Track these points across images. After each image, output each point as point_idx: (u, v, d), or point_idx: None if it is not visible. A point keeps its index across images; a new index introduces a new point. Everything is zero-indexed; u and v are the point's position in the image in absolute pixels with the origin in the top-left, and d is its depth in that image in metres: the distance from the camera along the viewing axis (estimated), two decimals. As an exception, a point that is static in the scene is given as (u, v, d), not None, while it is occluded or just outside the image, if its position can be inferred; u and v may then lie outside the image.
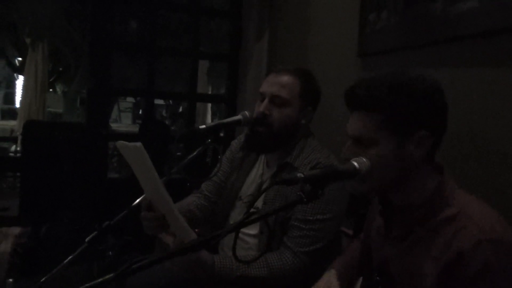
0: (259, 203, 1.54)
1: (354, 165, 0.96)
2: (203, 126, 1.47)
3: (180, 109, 16.20)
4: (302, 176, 0.88)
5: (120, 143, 1.30)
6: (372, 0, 1.98)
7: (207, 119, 9.25)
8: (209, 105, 10.88)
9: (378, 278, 1.05)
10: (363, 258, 1.27)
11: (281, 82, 1.52)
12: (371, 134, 0.99)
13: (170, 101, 16.58)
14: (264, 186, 1.56)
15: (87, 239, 1.32)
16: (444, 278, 0.92)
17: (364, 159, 0.97)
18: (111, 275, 0.69)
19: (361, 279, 1.22)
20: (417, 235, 1.01)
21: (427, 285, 0.95)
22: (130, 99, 20.24)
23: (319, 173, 0.91)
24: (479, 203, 0.99)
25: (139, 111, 18.62)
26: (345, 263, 1.29)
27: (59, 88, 17.39)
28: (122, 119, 20.58)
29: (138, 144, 1.21)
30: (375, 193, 1.06)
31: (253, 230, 1.54)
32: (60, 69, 12.88)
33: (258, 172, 1.64)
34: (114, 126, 14.29)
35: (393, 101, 0.97)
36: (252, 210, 0.86)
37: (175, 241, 1.37)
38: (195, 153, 1.46)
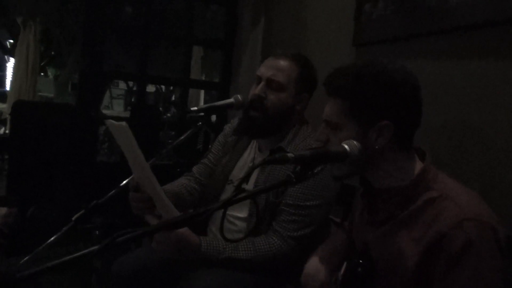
0: (250, 187, 1.53)
1: (344, 148, 0.97)
2: (195, 108, 1.45)
3: (173, 98, 16.12)
4: (293, 156, 0.89)
5: (109, 121, 1.29)
6: (368, -11, 1.98)
7: (200, 102, 9.22)
8: (202, 94, 10.83)
9: (360, 261, 1.05)
10: (348, 245, 1.28)
11: (278, 66, 1.51)
12: (337, 119, 1.04)
13: (163, 89, 16.50)
14: (255, 171, 1.55)
15: (74, 218, 1.31)
16: (427, 258, 0.94)
17: (355, 142, 0.98)
18: (95, 247, 0.68)
19: (344, 264, 1.23)
20: (399, 219, 1.03)
21: (409, 266, 0.97)
22: (122, 86, 20.11)
23: (309, 154, 0.91)
24: (460, 186, 1.01)
25: (131, 98, 18.49)
26: (329, 250, 1.30)
27: (50, 73, 17.22)
28: (114, 106, 20.43)
29: (124, 123, 1.20)
30: (346, 176, 1.10)
31: (242, 213, 1.54)
32: (52, 53, 12.73)
33: (250, 156, 1.64)
34: (106, 112, 14.18)
35: (357, 90, 1.01)
36: (242, 188, 0.85)
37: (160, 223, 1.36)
38: (185, 135, 1.45)
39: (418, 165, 1.05)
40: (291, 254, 1.41)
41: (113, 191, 1.37)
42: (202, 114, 1.54)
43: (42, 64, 11.69)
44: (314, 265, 1.22)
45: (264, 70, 1.53)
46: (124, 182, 1.41)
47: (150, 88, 15.92)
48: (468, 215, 0.92)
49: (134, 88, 14.61)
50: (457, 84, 1.52)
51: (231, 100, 1.53)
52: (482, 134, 1.43)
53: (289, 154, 0.88)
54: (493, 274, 0.90)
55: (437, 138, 1.53)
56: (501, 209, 1.16)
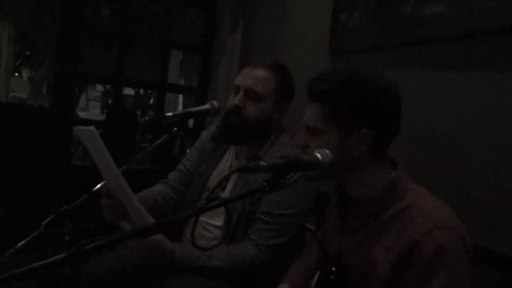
0: (227, 195, 1.53)
1: (317, 157, 0.97)
2: (170, 114, 1.44)
3: (151, 101, 15.96)
4: (265, 164, 0.89)
5: (77, 128, 1.27)
6: (345, -1, 2.01)
7: (178, 106, 9.14)
8: (181, 99, 10.74)
9: (333, 269, 1.06)
10: (321, 254, 1.29)
11: (257, 76, 1.51)
12: (317, 125, 1.04)
13: (141, 92, 16.31)
14: (232, 177, 1.55)
15: (43, 223, 1.28)
16: (399, 265, 0.96)
17: (327, 151, 0.99)
18: (62, 255, 0.67)
19: (317, 273, 1.23)
20: (371, 228, 1.04)
21: (381, 274, 0.98)
22: (99, 88, 19.80)
23: (282, 162, 0.92)
24: (431, 196, 1.04)
25: (108, 100, 18.23)
26: (301, 271, 1.30)
27: (25, 73, 16.83)
28: (90, 108, 20.09)
29: (92, 127, 1.18)
30: (324, 178, 1.11)
31: (218, 221, 1.53)
32: (27, 53, 12.45)
33: (227, 164, 1.63)
34: (81, 114, 13.91)
35: (338, 97, 1.01)
36: (216, 195, 0.85)
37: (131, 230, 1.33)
38: (160, 140, 1.44)
39: (390, 175, 1.06)
40: (266, 262, 1.41)
41: (84, 196, 1.34)
42: (178, 119, 1.53)
43: (16, 64, 11.43)
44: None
45: (243, 80, 1.53)
46: (96, 187, 1.39)
47: (129, 91, 15.71)
48: (438, 223, 0.94)
49: (111, 91, 14.41)
50: (430, 94, 1.55)
51: (207, 106, 1.53)
52: (455, 143, 1.47)
53: (262, 163, 0.89)
54: (465, 280, 0.92)
55: (410, 148, 1.56)
56: (471, 217, 1.19)
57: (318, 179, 1.11)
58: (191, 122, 3.20)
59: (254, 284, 1.44)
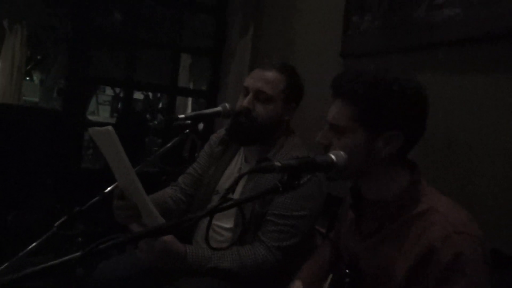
0: (236, 197, 1.52)
1: (331, 158, 0.97)
2: (182, 116, 1.45)
3: (160, 105, 16.04)
4: (279, 165, 0.88)
5: (92, 129, 1.28)
6: (356, 2, 2.00)
7: (188, 109, 9.18)
8: (190, 103, 10.79)
9: (347, 271, 1.05)
10: (334, 257, 1.27)
11: (266, 78, 1.51)
12: (345, 123, 1.01)
13: (150, 96, 16.41)
14: (242, 179, 1.54)
15: (56, 224, 1.28)
16: (416, 271, 0.94)
17: (342, 153, 0.98)
18: (78, 253, 0.67)
19: (331, 276, 1.22)
20: (388, 231, 1.02)
21: (397, 279, 0.96)
22: (109, 92, 19.96)
23: (296, 163, 0.91)
24: (448, 200, 1.02)
25: (117, 104, 18.35)
26: (313, 271, 1.29)
27: (36, 77, 17.01)
28: (100, 112, 20.24)
29: (109, 128, 1.18)
30: (344, 178, 1.08)
31: (228, 223, 1.53)
32: (39, 57, 12.58)
33: (236, 167, 1.63)
34: (91, 118, 14.02)
35: (369, 97, 0.99)
36: (228, 197, 0.84)
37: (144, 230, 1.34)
38: (172, 143, 1.44)
39: (408, 177, 1.04)
40: (277, 264, 1.40)
41: (97, 197, 1.35)
42: (189, 122, 1.54)
43: (28, 68, 11.55)
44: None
45: (252, 82, 1.53)
46: (109, 189, 1.39)
47: (139, 95, 15.81)
48: (457, 228, 0.92)
49: (121, 95, 14.52)
50: (443, 98, 1.54)
51: (219, 108, 1.53)
52: (469, 148, 1.45)
53: (276, 163, 0.88)
54: (484, 286, 0.90)
55: (421, 151, 1.55)
56: (483, 223, 1.17)
57: (338, 179, 1.08)
58: (201, 125, 3.21)
59: (264, 285, 1.43)
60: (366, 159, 1.01)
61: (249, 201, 0.89)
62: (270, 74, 1.52)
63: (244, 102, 1.50)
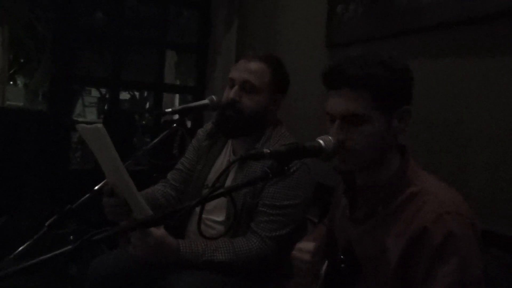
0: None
1: (319, 143, 0.97)
2: (169, 110, 1.44)
3: (147, 105, 15.94)
4: (269, 151, 0.89)
5: (81, 126, 1.27)
6: (340, -9, 2.01)
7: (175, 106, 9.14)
8: (177, 101, 10.74)
9: (342, 257, 1.06)
10: (328, 242, 1.28)
11: (251, 69, 1.51)
12: (364, 111, 0.99)
13: (137, 96, 16.28)
14: (231, 171, 1.55)
15: (46, 223, 1.27)
16: (409, 252, 0.95)
17: (330, 137, 0.98)
18: (70, 246, 0.67)
19: (326, 263, 1.23)
20: (381, 215, 1.03)
21: (392, 262, 0.97)
22: (94, 94, 19.76)
23: (285, 149, 0.92)
24: (439, 182, 1.03)
25: (104, 106, 18.19)
26: (315, 237, 1.30)
27: (20, 81, 16.80)
28: (87, 115, 20.02)
29: (99, 125, 1.18)
30: (358, 170, 1.07)
31: (220, 217, 1.53)
32: (22, 60, 12.43)
33: (225, 160, 1.63)
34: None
35: (385, 78, 0.99)
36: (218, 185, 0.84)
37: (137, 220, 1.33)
38: (160, 137, 1.44)
39: (399, 160, 1.05)
40: (271, 254, 1.41)
41: (87, 195, 1.34)
42: (177, 118, 1.53)
43: (10, 72, 11.39)
44: (315, 233, 1.22)
45: (237, 73, 1.52)
46: (98, 186, 1.38)
47: (125, 96, 15.68)
48: (448, 208, 0.93)
49: (107, 96, 14.39)
50: (429, 83, 1.55)
51: (206, 101, 1.53)
52: (457, 131, 1.47)
53: (265, 150, 0.89)
54: (476, 266, 0.91)
55: (411, 135, 1.56)
56: (476, 205, 1.18)
57: (349, 172, 1.08)
58: (188, 124, 3.20)
59: (259, 276, 1.43)
60: (383, 144, 1.02)
61: (240, 189, 0.89)
62: (256, 65, 1.51)
63: (231, 93, 1.50)
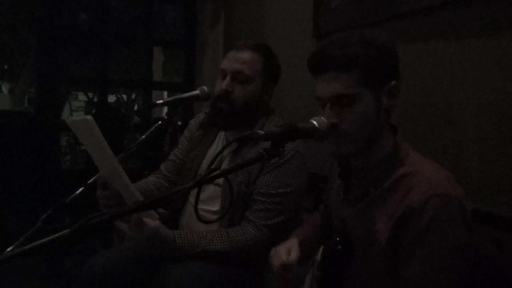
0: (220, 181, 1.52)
1: (313, 124, 0.97)
2: (160, 101, 1.44)
3: (136, 107, 15.84)
4: (263, 132, 0.89)
5: (70, 118, 1.26)
6: (326, -20, 2.01)
7: (163, 112, 9.10)
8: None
9: (337, 239, 1.06)
10: (324, 226, 1.29)
11: (242, 58, 1.50)
12: (354, 90, 0.99)
13: (124, 98, 16.17)
14: (226, 158, 1.55)
15: (41, 218, 1.26)
16: (396, 232, 0.96)
17: (323, 118, 0.99)
18: (66, 231, 0.66)
19: (322, 247, 1.24)
20: (374, 195, 1.04)
21: (382, 241, 0.98)
22: (81, 98, 19.58)
23: (279, 131, 0.92)
24: (430, 163, 1.04)
25: (91, 109, 18.05)
26: (304, 233, 1.31)
27: (4, 87, 16.58)
28: (74, 119, 19.86)
29: (89, 117, 1.17)
30: (354, 154, 1.06)
31: (215, 206, 1.53)
32: (6, 66, 12.27)
33: (218, 149, 1.62)
34: (66, 125, 13.72)
35: (369, 56, 0.99)
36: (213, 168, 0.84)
37: (132, 218, 1.32)
38: (152, 129, 1.43)
39: (392, 141, 1.06)
40: (266, 242, 1.40)
41: (80, 189, 1.33)
42: (168, 111, 1.53)
43: (-5, 78, 11.25)
44: (287, 243, 1.22)
45: (228, 64, 1.51)
46: (92, 179, 1.38)
47: (112, 99, 15.55)
48: (438, 190, 0.94)
49: (95, 99, 14.26)
50: (418, 65, 1.57)
51: (197, 92, 1.52)
52: (445, 114, 1.48)
53: (259, 131, 0.89)
54: (453, 252, 0.93)
55: (402, 116, 1.57)
56: (467, 186, 1.20)
57: (349, 155, 1.07)
58: (179, 123, 3.19)
59: (254, 265, 1.43)
60: (376, 123, 1.02)
61: (235, 170, 0.89)
62: (246, 55, 1.51)
63: (223, 84, 1.49)
